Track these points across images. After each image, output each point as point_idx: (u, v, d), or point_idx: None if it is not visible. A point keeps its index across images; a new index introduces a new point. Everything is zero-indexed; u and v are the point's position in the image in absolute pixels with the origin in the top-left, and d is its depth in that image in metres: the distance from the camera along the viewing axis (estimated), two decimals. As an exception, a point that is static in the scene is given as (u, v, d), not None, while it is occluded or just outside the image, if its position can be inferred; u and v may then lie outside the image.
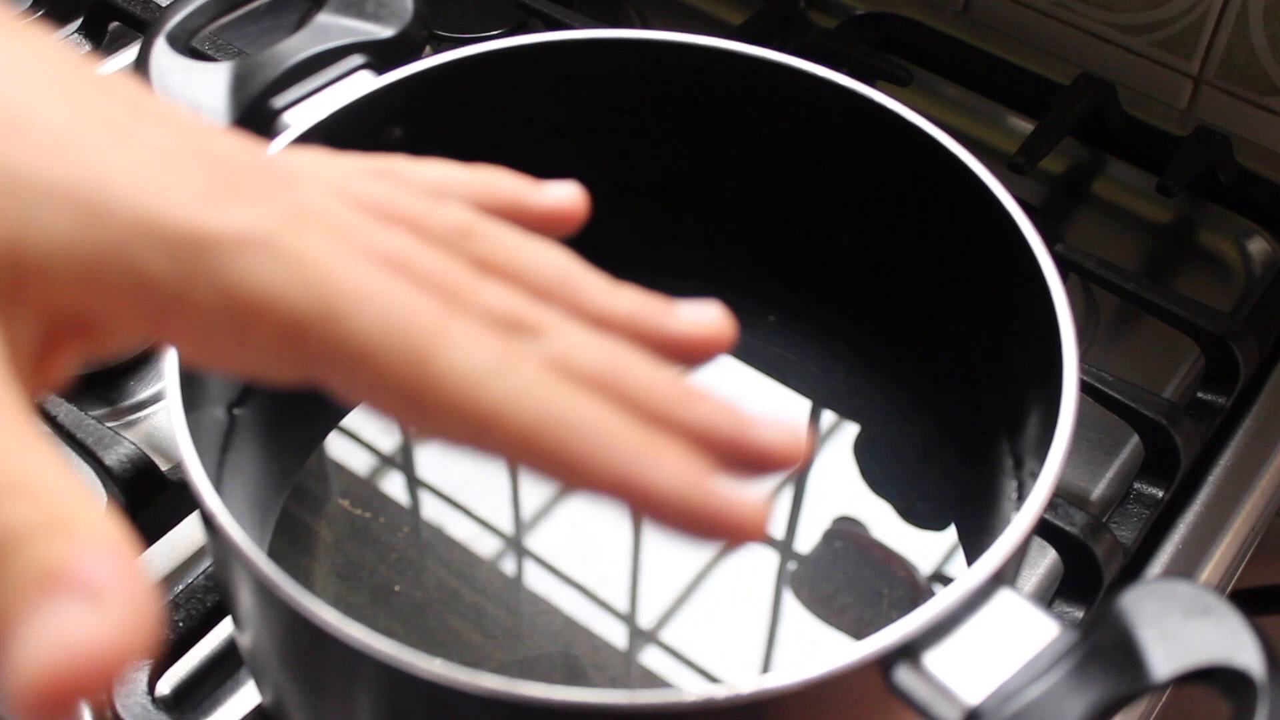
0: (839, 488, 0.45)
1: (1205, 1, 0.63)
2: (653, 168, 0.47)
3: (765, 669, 0.42)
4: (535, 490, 0.46)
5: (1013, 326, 0.40)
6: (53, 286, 0.21)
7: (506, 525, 0.45)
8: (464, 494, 0.45)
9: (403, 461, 0.46)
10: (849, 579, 0.43)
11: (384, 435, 0.46)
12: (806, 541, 0.44)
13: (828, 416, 0.47)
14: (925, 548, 0.44)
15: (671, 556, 0.44)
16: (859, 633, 0.42)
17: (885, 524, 0.44)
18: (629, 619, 0.43)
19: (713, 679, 0.42)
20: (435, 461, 0.46)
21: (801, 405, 0.48)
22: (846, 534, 0.44)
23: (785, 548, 0.44)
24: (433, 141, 0.46)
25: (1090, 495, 0.52)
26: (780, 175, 0.46)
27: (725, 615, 0.43)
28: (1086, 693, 0.29)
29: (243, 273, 0.21)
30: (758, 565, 0.44)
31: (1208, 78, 0.65)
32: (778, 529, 0.45)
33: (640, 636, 0.43)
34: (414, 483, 0.46)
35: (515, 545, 0.45)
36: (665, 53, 0.44)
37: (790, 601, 0.43)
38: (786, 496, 0.45)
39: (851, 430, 0.47)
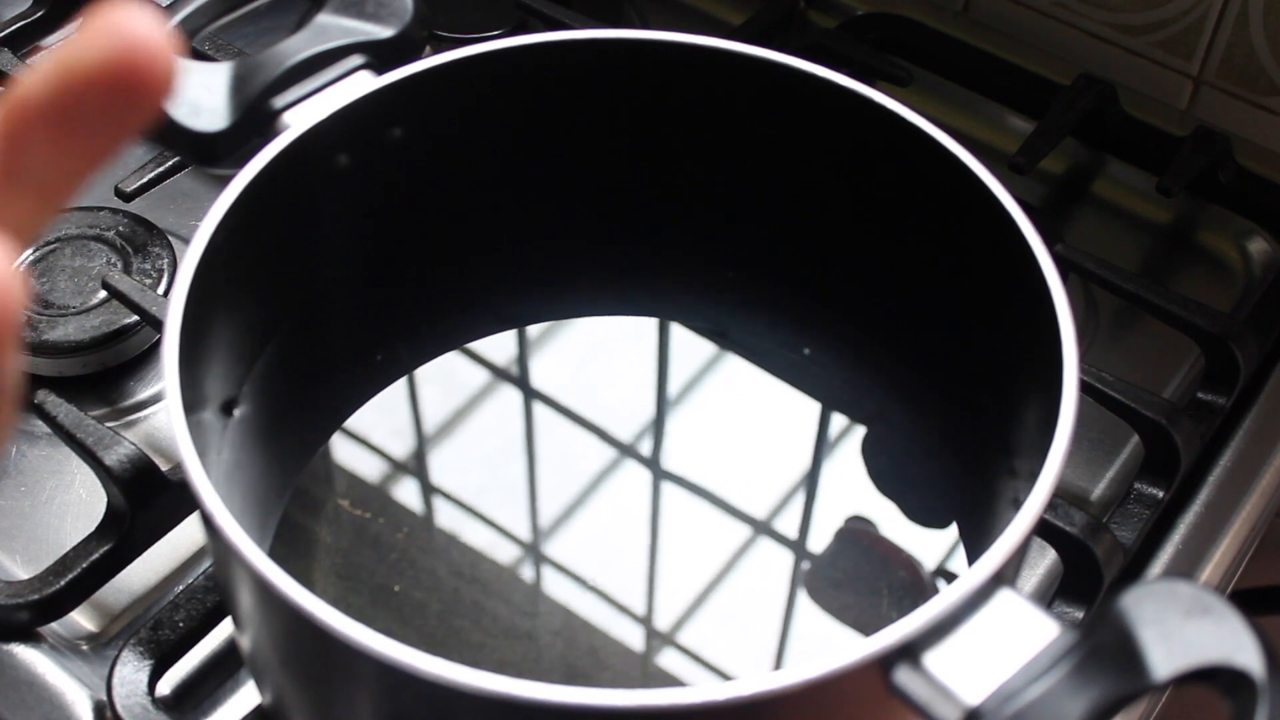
0: (850, 487, 0.45)
1: (1205, 1, 0.63)
2: (651, 168, 0.48)
3: (779, 669, 0.42)
4: (548, 493, 0.46)
5: (1013, 326, 0.40)
6: None
7: (510, 526, 0.45)
8: (466, 495, 0.45)
9: (405, 461, 0.46)
10: (859, 578, 0.43)
11: (388, 437, 0.46)
12: (819, 541, 0.44)
13: (834, 419, 0.47)
14: (930, 546, 0.44)
15: (674, 559, 0.44)
16: (867, 631, 0.42)
17: (891, 523, 0.44)
18: (637, 618, 0.43)
19: (727, 679, 0.42)
20: (438, 461, 0.46)
21: (808, 407, 0.48)
22: (857, 533, 0.44)
23: (799, 548, 0.44)
24: (433, 141, 0.46)
25: (1090, 495, 0.52)
26: (779, 175, 0.46)
27: (739, 616, 0.43)
28: (1086, 693, 0.29)
29: None
30: (772, 566, 0.44)
31: (1208, 78, 0.65)
32: (791, 529, 0.45)
33: (646, 637, 0.43)
34: (416, 482, 0.46)
35: (517, 544, 0.45)
36: (665, 53, 0.44)
37: (804, 602, 0.43)
38: (800, 497, 0.45)
39: (858, 432, 0.47)
